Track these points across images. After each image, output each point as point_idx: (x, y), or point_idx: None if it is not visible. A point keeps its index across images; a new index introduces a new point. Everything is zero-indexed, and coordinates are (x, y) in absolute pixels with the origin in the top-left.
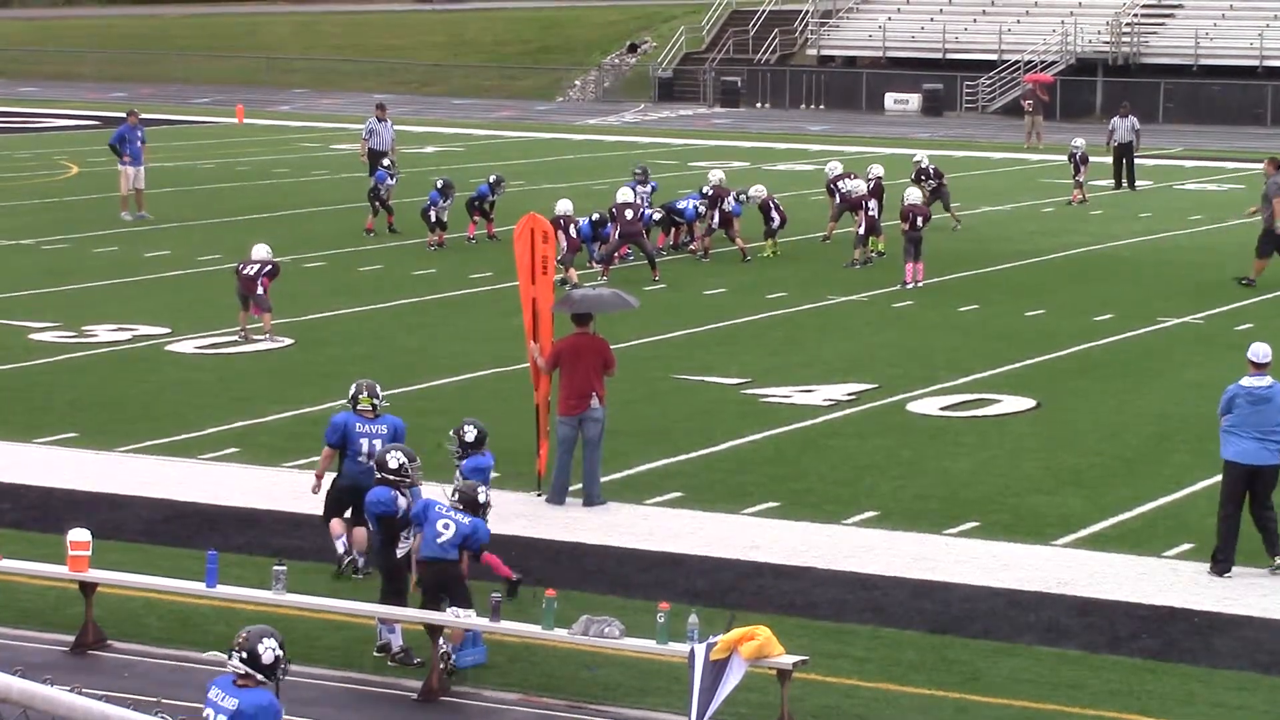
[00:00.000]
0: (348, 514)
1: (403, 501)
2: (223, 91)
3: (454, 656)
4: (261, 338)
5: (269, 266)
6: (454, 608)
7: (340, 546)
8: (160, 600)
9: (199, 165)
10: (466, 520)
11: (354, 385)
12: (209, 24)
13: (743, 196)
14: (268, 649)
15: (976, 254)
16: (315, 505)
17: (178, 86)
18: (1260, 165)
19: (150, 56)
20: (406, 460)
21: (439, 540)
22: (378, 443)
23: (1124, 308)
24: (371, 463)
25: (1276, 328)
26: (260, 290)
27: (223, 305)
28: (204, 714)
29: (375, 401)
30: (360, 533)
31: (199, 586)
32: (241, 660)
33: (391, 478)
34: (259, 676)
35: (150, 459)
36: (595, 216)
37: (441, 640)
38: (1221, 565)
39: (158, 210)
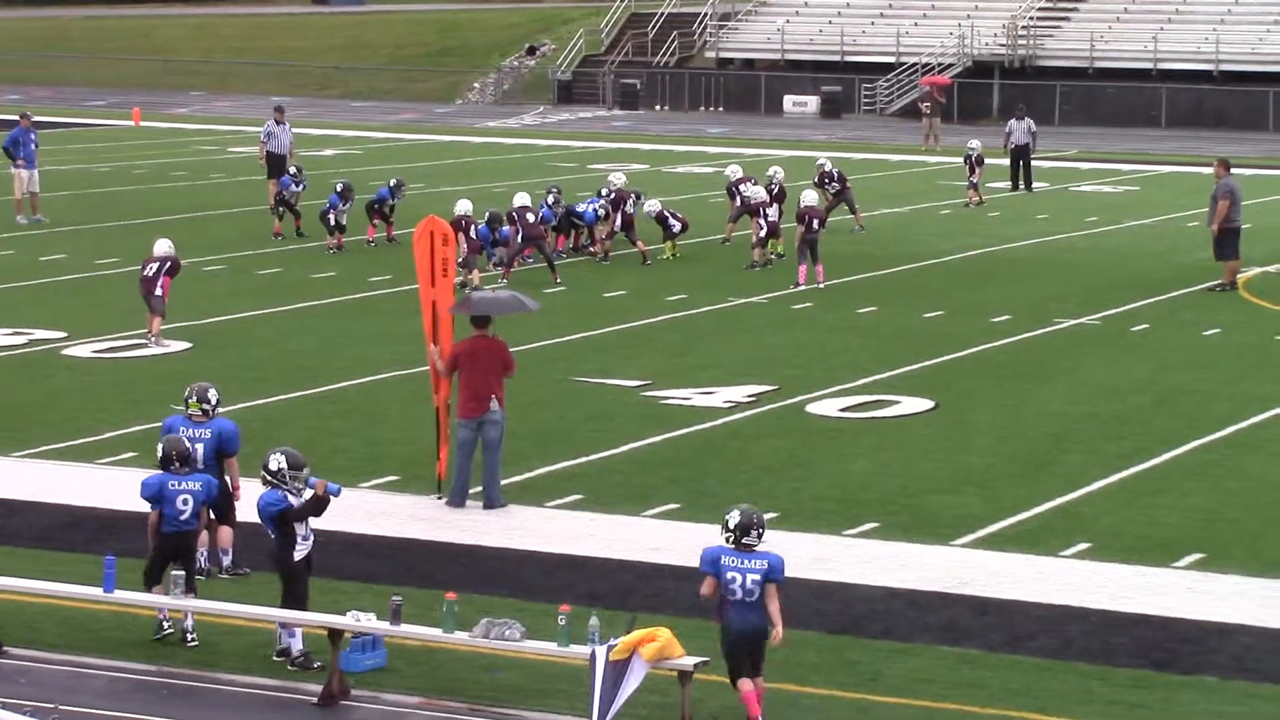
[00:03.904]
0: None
1: (292, 500)
2: (119, 94)
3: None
4: (151, 339)
5: (168, 264)
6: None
7: (201, 557)
8: (57, 606)
9: (95, 168)
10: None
11: (187, 389)
12: (106, 26)
13: (640, 202)
14: (759, 525)
15: (875, 256)
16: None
17: (74, 89)
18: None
19: (46, 59)
20: (286, 466)
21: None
22: (199, 447)
23: (1021, 309)
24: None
25: (1170, 328)
26: (159, 291)
27: (120, 309)
28: (728, 577)
29: (205, 406)
30: (226, 532)
31: (96, 592)
32: (758, 534)
33: (271, 480)
34: (758, 546)
35: (46, 464)
36: (488, 216)
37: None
38: None
39: (53, 214)
